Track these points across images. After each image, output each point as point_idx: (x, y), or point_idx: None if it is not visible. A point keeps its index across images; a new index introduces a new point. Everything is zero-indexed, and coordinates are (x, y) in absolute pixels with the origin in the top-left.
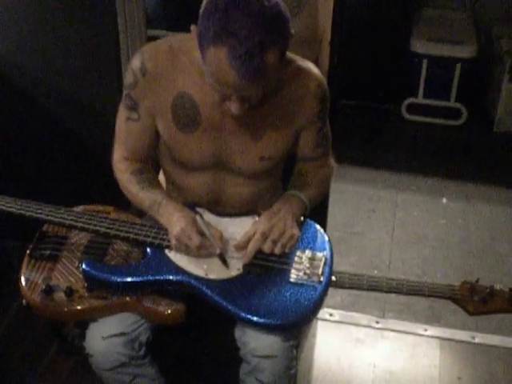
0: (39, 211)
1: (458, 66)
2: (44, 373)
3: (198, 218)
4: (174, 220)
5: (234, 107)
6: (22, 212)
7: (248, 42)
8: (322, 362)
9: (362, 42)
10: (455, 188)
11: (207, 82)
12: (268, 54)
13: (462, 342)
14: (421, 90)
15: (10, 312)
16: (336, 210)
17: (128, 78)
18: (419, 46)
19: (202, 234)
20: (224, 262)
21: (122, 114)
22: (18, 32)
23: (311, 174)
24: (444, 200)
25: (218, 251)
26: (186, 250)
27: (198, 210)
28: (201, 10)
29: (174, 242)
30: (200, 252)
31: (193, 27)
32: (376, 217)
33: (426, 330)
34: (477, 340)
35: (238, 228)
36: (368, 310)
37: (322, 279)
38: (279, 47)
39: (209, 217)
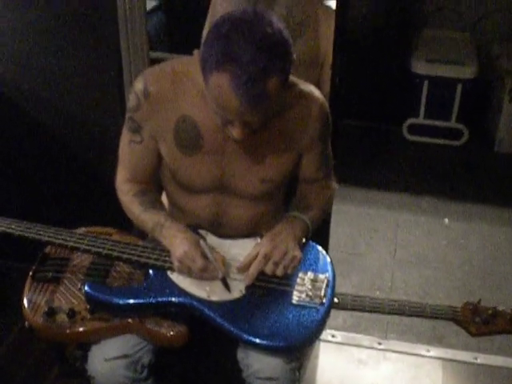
0: (41, 233)
1: (459, 86)
2: None
3: (201, 241)
4: (177, 242)
5: (235, 132)
6: (25, 234)
7: (250, 69)
8: (325, 383)
9: (363, 63)
10: (457, 208)
11: (209, 107)
12: (270, 80)
13: (465, 362)
14: (422, 111)
15: (11, 334)
16: (338, 231)
17: (131, 101)
18: (420, 67)
19: (205, 257)
20: (226, 286)
21: (125, 136)
22: (20, 53)
23: (313, 195)
24: (446, 220)
25: (220, 275)
26: (188, 272)
27: (201, 231)
28: (203, 34)
29: (176, 264)
30: (203, 275)
31: (196, 52)
32: (378, 237)
33: (428, 351)
34: (479, 361)
35: (240, 250)
36: (370, 331)
37: (324, 301)
38: (281, 73)
39: (211, 239)
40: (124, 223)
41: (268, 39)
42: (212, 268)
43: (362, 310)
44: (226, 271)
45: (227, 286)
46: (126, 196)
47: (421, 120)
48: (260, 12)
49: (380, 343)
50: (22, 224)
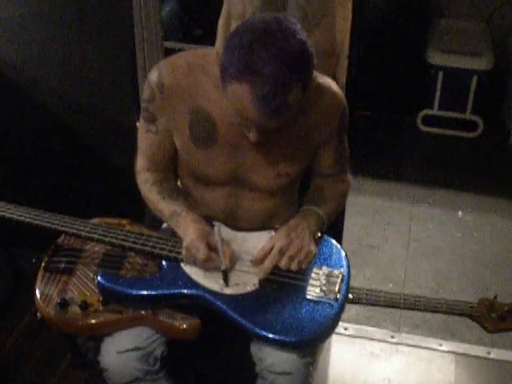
0: (55, 222)
1: (475, 77)
2: None
3: (216, 229)
4: (189, 232)
5: (252, 136)
6: (38, 222)
7: (272, 82)
8: (337, 376)
9: (377, 53)
10: (471, 201)
11: (226, 104)
12: (291, 92)
13: (478, 357)
14: (436, 102)
15: (22, 322)
16: (351, 223)
17: (145, 93)
18: (435, 58)
19: (214, 246)
20: (225, 279)
21: (141, 125)
22: (34, 43)
23: (328, 189)
24: (459, 213)
25: (222, 267)
26: (194, 261)
27: (215, 223)
28: (219, 24)
29: (184, 252)
30: (206, 265)
31: (215, 51)
32: (391, 230)
33: (441, 345)
34: (492, 355)
35: (254, 243)
36: (383, 325)
37: (338, 296)
38: (302, 85)
39: (225, 231)
40: (136, 215)
41: (291, 52)
42: (215, 258)
43: (377, 304)
44: (230, 265)
45: (226, 280)
46: (144, 185)
47: (435, 111)
48: (283, 22)
49: (393, 336)
50: (35, 212)
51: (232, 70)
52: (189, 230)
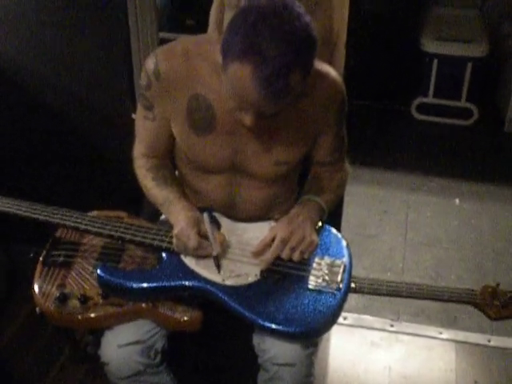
0: (53, 215)
1: (469, 65)
2: (55, 380)
3: (205, 216)
4: (179, 219)
5: (247, 120)
6: (37, 216)
7: (275, 63)
8: (337, 366)
9: (371, 42)
10: (468, 188)
11: (224, 91)
12: (293, 76)
13: (478, 344)
14: (431, 90)
15: (20, 317)
16: (348, 212)
17: (142, 80)
18: (429, 45)
19: (204, 233)
20: (218, 266)
21: (139, 111)
22: (29, 34)
23: (327, 178)
24: (457, 201)
25: (214, 253)
26: (184, 249)
27: (215, 214)
28: (211, 14)
29: (174, 240)
30: (197, 252)
31: (214, 32)
32: (388, 218)
33: (441, 333)
34: (493, 343)
35: (255, 233)
36: (382, 313)
37: (341, 286)
38: (305, 69)
39: (225, 222)
40: (134, 207)
41: (295, 34)
42: (207, 245)
43: (380, 294)
44: (221, 251)
45: (219, 267)
46: (140, 170)
47: (430, 99)
48: (289, 4)
49: (392, 325)
50: (32, 205)
51: (235, 50)
52: (178, 217)
